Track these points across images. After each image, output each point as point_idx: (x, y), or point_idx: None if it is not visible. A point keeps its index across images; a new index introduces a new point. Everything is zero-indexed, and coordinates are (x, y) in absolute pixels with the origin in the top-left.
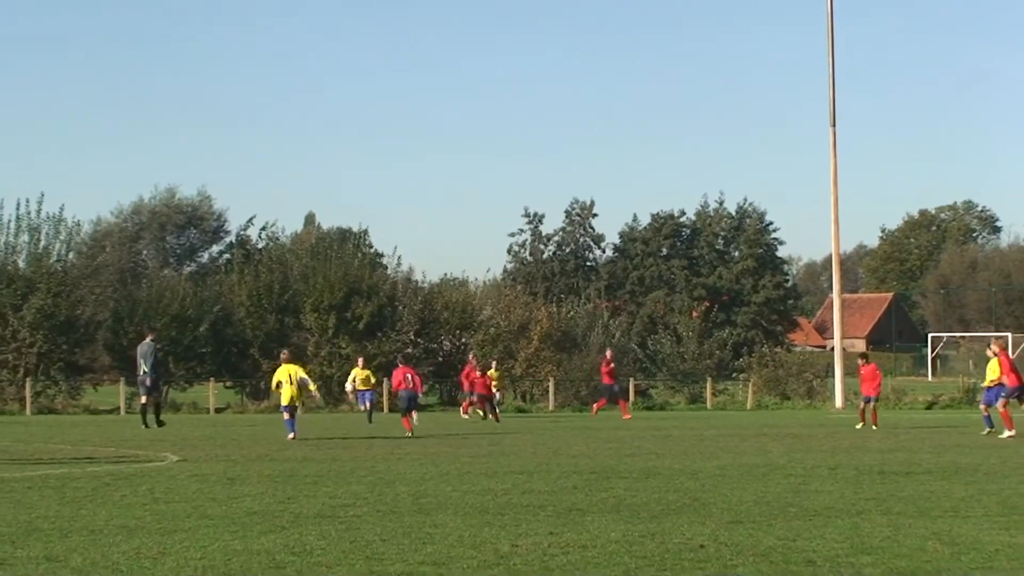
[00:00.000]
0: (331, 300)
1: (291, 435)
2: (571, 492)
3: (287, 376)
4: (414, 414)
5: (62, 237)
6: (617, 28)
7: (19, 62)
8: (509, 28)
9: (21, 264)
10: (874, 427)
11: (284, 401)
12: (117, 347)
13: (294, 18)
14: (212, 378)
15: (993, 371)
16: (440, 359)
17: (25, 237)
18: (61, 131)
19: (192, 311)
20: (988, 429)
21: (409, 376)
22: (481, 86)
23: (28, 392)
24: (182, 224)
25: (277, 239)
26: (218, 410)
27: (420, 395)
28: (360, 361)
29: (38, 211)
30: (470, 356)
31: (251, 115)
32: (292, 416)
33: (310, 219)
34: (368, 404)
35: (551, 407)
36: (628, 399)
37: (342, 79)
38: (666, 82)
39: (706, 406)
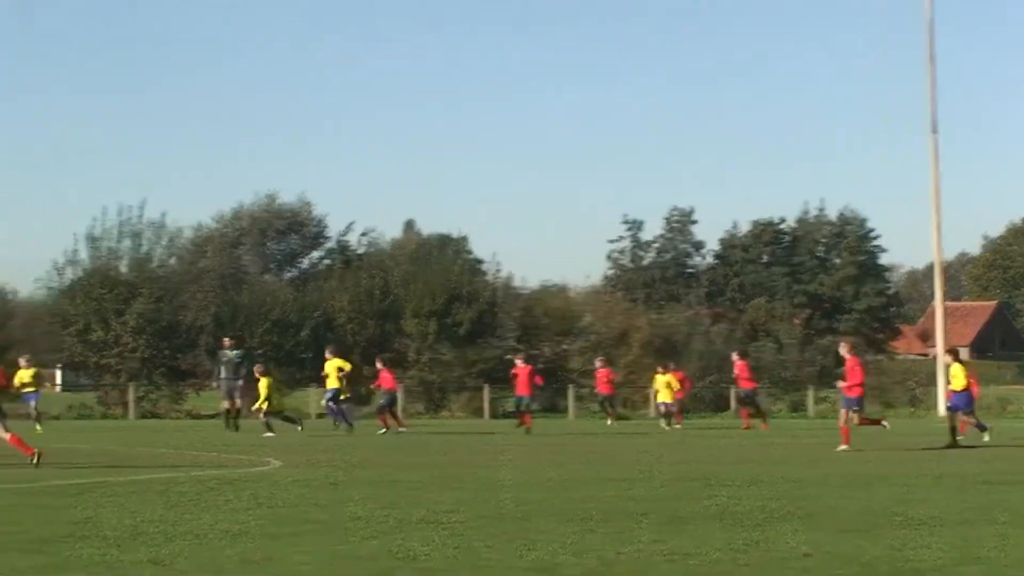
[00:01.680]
0: (432, 306)
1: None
2: (674, 499)
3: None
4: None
5: (164, 242)
6: (715, 34)
7: (121, 68)
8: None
9: (124, 269)
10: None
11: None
12: (219, 352)
13: (396, 28)
14: (313, 384)
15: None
16: (540, 365)
17: (128, 243)
18: (163, 137)
19: (293, 316)
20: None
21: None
22: (581, 93)
23: (131, 397)
24: (282, 230)
25: (377, 245)
26: (319, 416)
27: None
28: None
29: (140, 217)
30: (597, 362)
31: (351, 121)
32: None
33: (409, 225)
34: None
35: (651, 414)
36: (757, 408)
37: (441, 87)
38: (765, 90)
39: (807, 414)
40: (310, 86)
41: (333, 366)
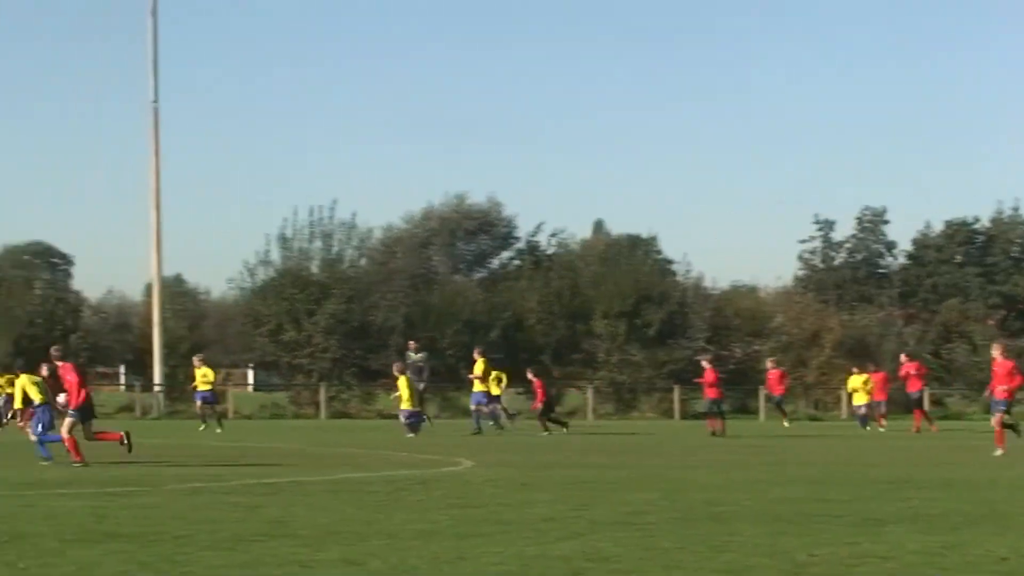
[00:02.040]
0: (621, 307)
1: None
2: (867, 501)
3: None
4: None
5: (354, 243)
6: (909, 27)
7: (312, 69)
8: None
9: (315, 270)
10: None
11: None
12: (404, 354)
13: (586, 31)
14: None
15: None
16: (732, 366)
17: (319, 243)
18: (352, 138)
19: (483, 317)
20: None
21: None
22: (772, 91)
23: (322, 396)
24: (472, 230)
25: (566, 245)
26: (509, 416)
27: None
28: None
29: (331, 217)
30: (769, 363)
31: (540, 122)
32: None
33: (599, 226)
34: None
35: (843, 416)
36: (924, 408)
37: (630, 88)
38: (955, 87)
39: None
40: (499, 87)
41: (481, 367)
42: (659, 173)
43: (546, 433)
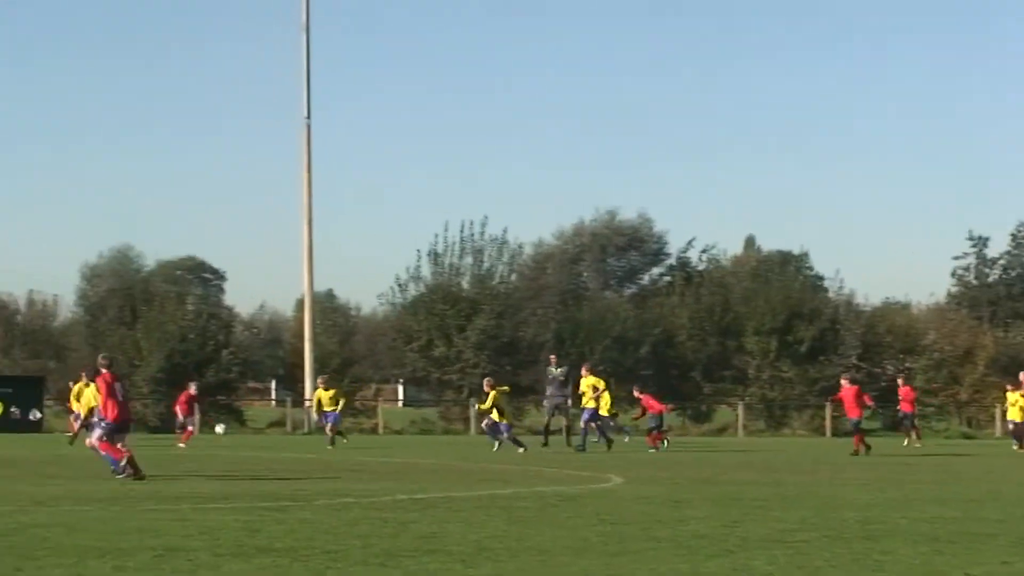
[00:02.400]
0: (772, 323)
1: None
2: (1022, 521)
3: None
4: None
5: (505, 259)
6: None
7: (459, 85)
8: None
9: (465, 285)
10: None
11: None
12: (546, 369)
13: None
14: None
15: None
16: (883, 384)
17: (469, 259)
18: (504, 154)
19: (633, 333)
20: None
21: None
22: (928, 105)
23: (472, 412)
24: (623, 246)
25: (717, 261)
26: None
27: None
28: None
29: (482, 233)
30: (899, 379)
31: (691, 137)
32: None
33: (750, 242)
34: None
35: (998, 434)
36: None
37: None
38: None
39: None
40: (650, 103)
41: (588, 384)
42: (811, 189)
43: (653, 450)
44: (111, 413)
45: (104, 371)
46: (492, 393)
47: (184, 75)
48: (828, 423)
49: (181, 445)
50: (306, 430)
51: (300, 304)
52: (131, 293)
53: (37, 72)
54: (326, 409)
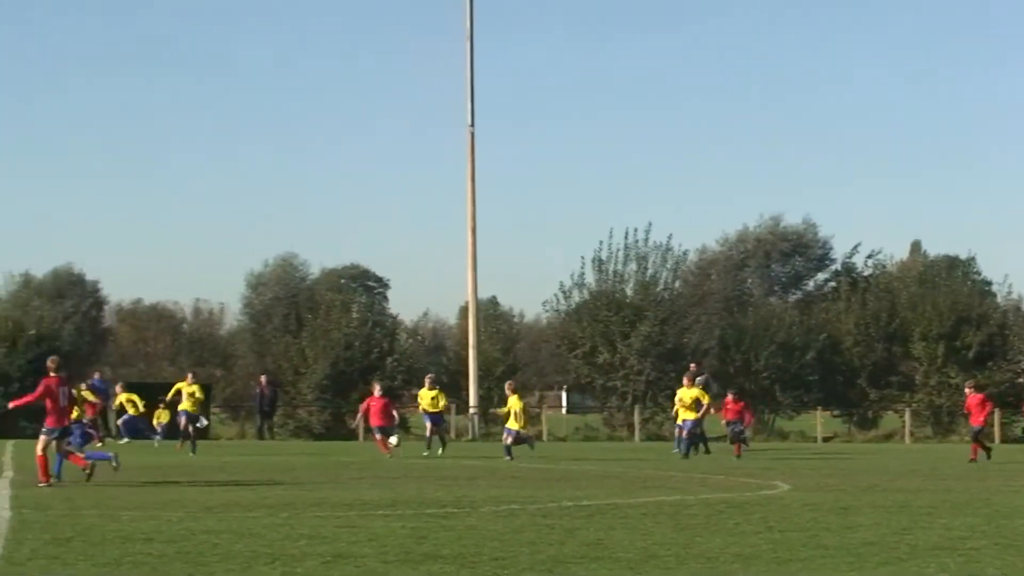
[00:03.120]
0: (939, 329)
1: None
2: None
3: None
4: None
5: (669, 265)
6: None
7: (621, 93)
8: None
9: (629, 292)
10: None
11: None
12: (723, 374)
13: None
14: (819, 407)
15: None
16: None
17: (633, 266)
18: (667, 160)
19: (798, 339)
20: None
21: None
22: None
23: (636, 419)
24: (787, 252)
25: (883, 267)
26: (825, 439)
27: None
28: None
29: (646, 240)
30: (966, 388)
31: (854, 142)
32: None
33: (916, 247)
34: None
35: None
36: None
37: (943, 105)
38: None
39: None
40: (815, 107)
41: (690, 396)
42: (978, 193)
43: (737, 457)
44: (51, 419)
45: (52, 375)
46: (512, 398)
47: (348, 84)
48: (997, 430)
49: (386, 453)
50: (470, 437)
51: (463, 311)
52: (296, 301)
53: (204, 81)
54: (427, 410)
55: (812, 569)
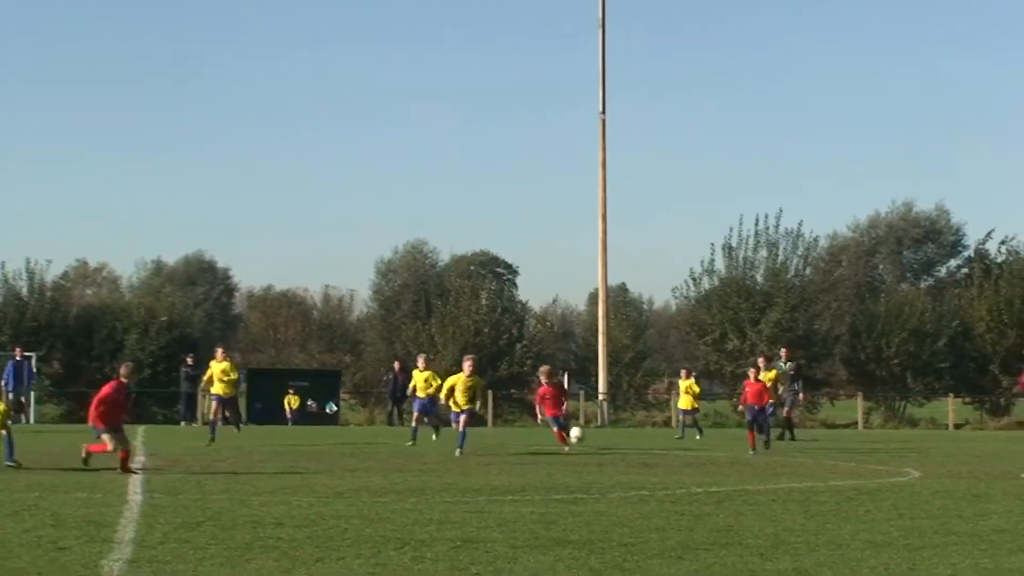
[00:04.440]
0: None
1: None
2: None
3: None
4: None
5: (800, 252)
6: None
7: (760, 81)
8: None
9: (759, 279)
10: None
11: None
12: (854, 361)
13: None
14: (951, 394)
15: None
16: None
17: (763, 252)
18: (798, 147)
19: (930, 326)
20: None
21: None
22: None
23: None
24: (919, 238)
25: (1017, 253)
26: (957, 426)
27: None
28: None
29: (776, 226)
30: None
31: (989, 127)
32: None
33: None
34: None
35: None
36: None
37: None
38: None
39: None
40: (948, 93)
41: (767, 378)
42: None
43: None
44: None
45: (120, 378)
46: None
47: (480, 72)
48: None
49: (566, 448)
50: (599, 423)
51: (592, 298)
52: (425, 287)
53: (335, 71)
54: (419, 395)
55: (943, 556)
